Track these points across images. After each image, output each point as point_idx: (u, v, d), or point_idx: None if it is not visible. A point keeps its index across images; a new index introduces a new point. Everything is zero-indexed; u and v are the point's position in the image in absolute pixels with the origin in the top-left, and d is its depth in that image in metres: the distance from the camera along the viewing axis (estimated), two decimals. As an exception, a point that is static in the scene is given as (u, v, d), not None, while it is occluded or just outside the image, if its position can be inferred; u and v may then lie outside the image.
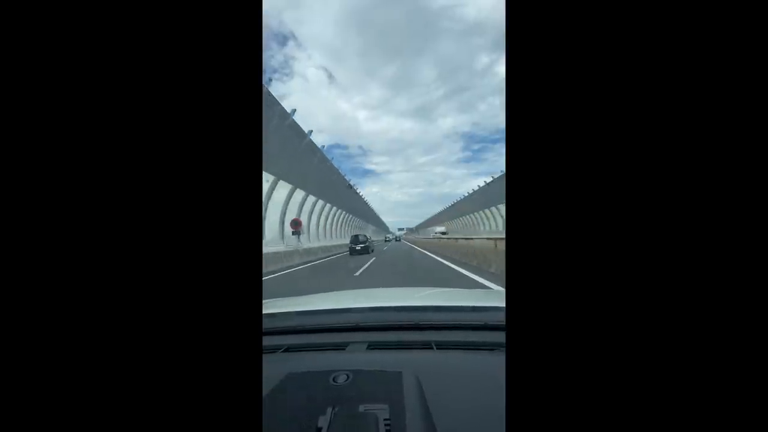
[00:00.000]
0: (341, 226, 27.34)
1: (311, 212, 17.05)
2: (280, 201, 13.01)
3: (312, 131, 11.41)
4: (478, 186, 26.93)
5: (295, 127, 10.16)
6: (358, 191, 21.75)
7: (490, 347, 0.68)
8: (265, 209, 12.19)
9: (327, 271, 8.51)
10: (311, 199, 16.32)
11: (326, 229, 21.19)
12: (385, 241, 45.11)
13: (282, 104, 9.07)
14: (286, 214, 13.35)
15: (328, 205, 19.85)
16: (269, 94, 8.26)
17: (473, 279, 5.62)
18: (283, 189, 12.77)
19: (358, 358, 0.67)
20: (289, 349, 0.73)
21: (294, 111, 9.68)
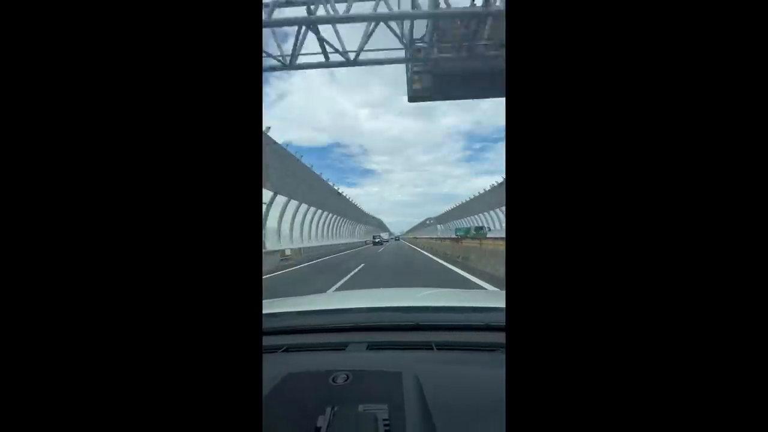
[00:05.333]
0: (326, 224, 24.38)
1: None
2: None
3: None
4: (496, 182, 22.66)
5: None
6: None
7: (490, 348, 0.68)
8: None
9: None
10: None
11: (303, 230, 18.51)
12: (375, 243, 32.30)
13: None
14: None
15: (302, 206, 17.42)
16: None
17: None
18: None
19: (358, 359, 0.67)
20: (288, 349, 0.73)
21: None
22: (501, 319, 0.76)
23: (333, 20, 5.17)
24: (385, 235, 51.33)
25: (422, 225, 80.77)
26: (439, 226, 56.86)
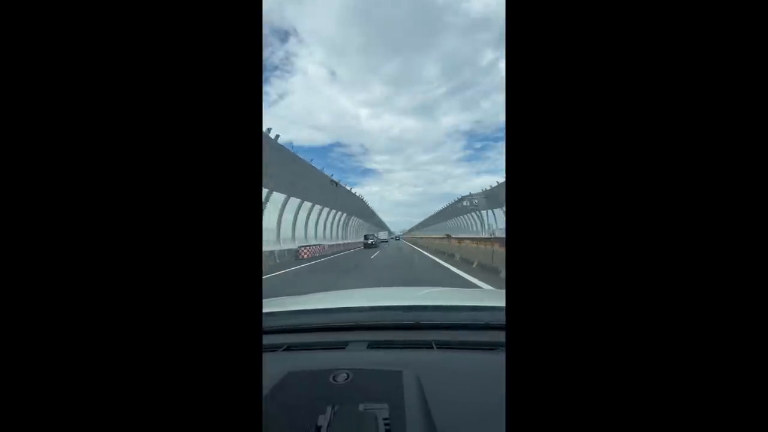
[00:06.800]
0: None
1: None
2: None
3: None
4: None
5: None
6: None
7: (490, 347, 0.68)
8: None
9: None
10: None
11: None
12: (367, 245, 22.88)
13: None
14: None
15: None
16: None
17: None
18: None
19: (359, 357, 0.67)
20: (289, 347, 0.74)
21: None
22: (501, 318, 0.75)
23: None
24: (383, 234, 39.84)
25: (449, 212, 37.30)
26: (493, 214, 26.21)
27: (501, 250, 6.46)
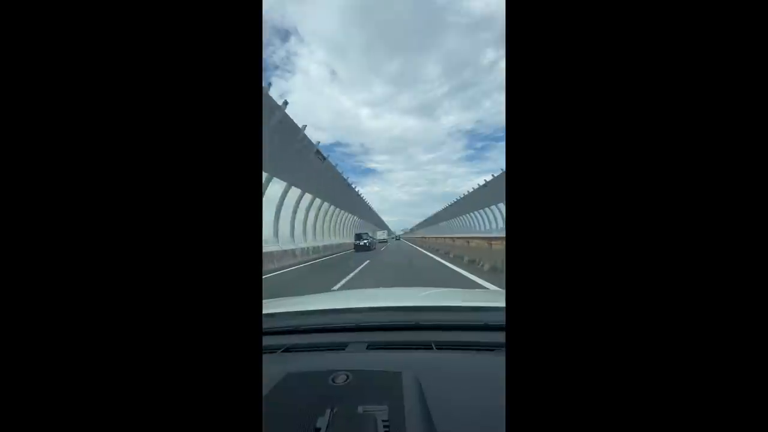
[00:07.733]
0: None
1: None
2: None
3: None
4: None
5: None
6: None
7: (490, 347, 0.68)
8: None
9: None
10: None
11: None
12: (359, 247, 17.51)
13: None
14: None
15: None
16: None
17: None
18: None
19: (358, 359, 0.67)
20: (288, 349, 0.74)
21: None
22: (501, 318, 0.75)
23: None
24: (381, 234, 32.89)
25: (477, 200, 21.40)
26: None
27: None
